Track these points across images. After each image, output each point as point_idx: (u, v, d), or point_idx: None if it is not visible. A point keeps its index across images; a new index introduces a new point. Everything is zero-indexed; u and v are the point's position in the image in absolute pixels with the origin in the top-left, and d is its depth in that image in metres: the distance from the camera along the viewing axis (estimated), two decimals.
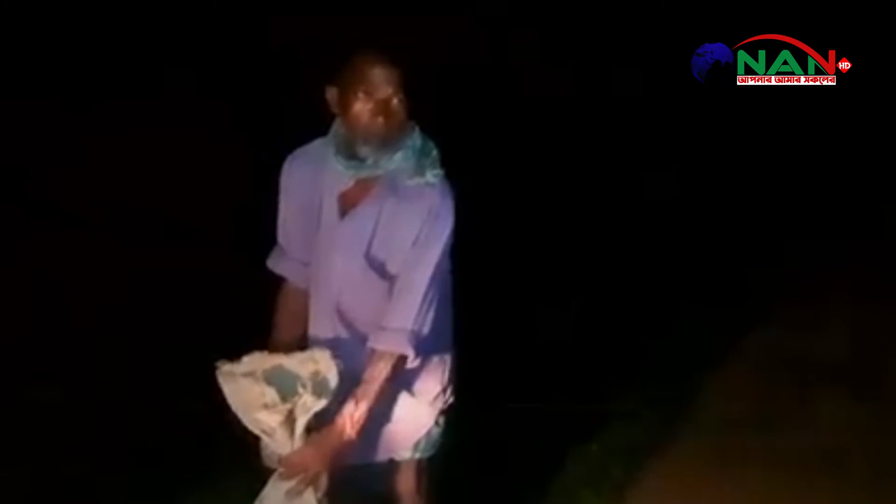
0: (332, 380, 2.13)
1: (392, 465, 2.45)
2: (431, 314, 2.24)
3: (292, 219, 2.36)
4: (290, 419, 2.12)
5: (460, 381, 2.46)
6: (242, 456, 3.02)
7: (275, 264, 2.42)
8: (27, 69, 5.01)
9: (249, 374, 2.13)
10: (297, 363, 2.16)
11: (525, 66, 5.58)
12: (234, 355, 2.25)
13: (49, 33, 5.23)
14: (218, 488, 3.12)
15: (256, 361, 2.17)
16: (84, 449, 3.24)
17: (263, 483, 2.32)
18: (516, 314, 4.03)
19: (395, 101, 2.15)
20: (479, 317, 2.55)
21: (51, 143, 4.74)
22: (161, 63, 5.24)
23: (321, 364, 2.15)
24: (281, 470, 2.19)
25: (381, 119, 2.15)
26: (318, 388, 2.12)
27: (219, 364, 2.18)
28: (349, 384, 2.18)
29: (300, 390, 2.10)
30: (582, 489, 3.27)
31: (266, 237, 2.47)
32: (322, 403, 2.12)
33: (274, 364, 2.17)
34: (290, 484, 2.17)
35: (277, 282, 2.44)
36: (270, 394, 2.10)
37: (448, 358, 2.42)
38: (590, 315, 4.15)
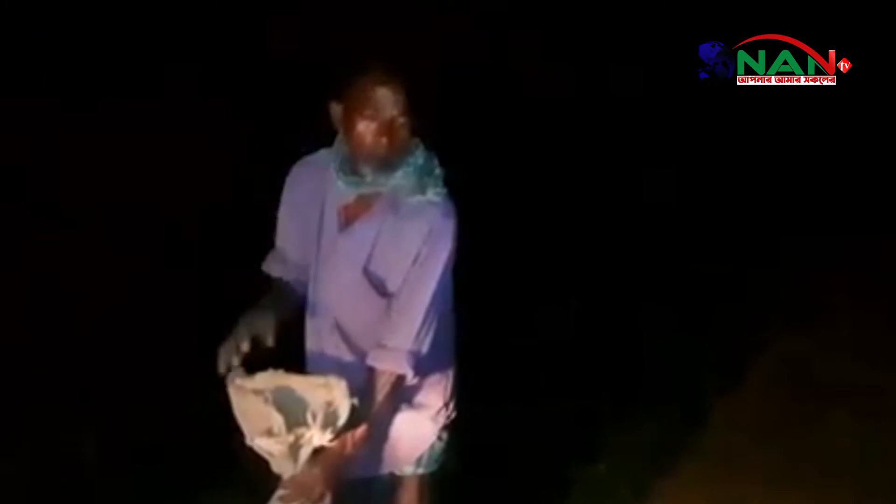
0: (343, 414, 2.09)
1: (395, 481, 2.44)
2: (431, 333, 2.22)
3: (292, 227, 2.35)
4: (293, 449, 2.08)
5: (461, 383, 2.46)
6: (242, 457, 3.02)
7: (271, 268, 2.39)
8: (26, 68, 5.02)
9: (259, 393, 2.08)
10: (311, 387, 2.11)
11: (525, 66, 5.57)
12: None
13: (48, 32, 5.23)
14: (218, 488, 3.12)
15: (268, 379, 2.12)
16: (84, 449, 3.24)
17: (263, 483, 2.32)
18: (516, 314, 4.03)
19: (398, 121, 2.13)
20: (478, 317, 2.54)
21: (49, 142, 4.74)
22: (161, 61, 5.24)
23: (335, 393, 2.09)
24: (283, 492, 2.16)
25: (384, 140, 2.12)
26: (328, 420, 2.07)
27: (230, 375, 2.14)
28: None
29: (309, 421, 2.06)
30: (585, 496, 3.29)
31: (267, 237, 2.47)
32: (328, 438, 2.08)
33: (285, 385, 2.12)
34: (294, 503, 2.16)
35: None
36: (277, 421, 2.05)
37: (450, 373, 2.41)
38: (590, 315, 4.15)
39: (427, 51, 4.78)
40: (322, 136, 2.36)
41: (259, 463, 2.33)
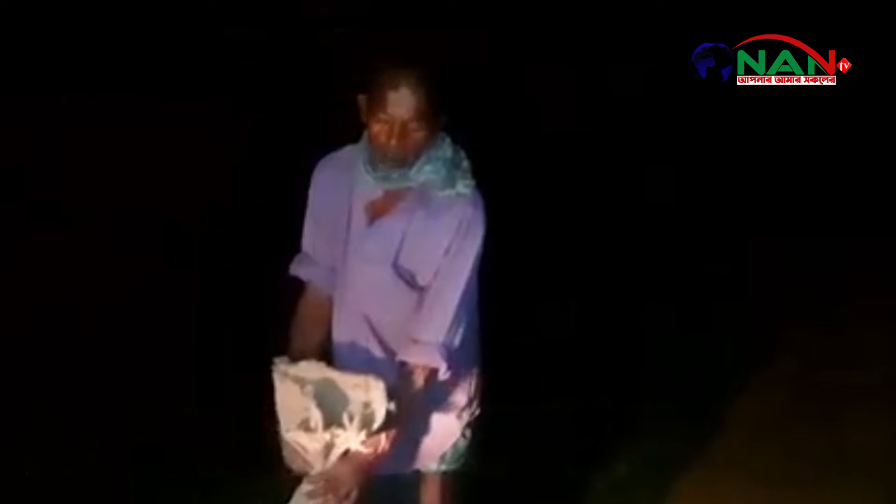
0: (380, 416, 2.07)
1: (418, 477, 2.44)
2: (462, 326, 2.21)
3: (320, 224, 2.33)
4: (327, 447, 2.07)
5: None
6: (244, 456, 3.03)
7: (298, 269, 2.37)
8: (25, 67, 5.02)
9: (299, 381, 2.07)
10: (351, 386, 2.10)
11: (524, 67, 5.57)
12: (235, 356, 2.24)
13: (48, 31, 5.23)
14: (218, 488, 3.12)
15: (311, 370, 2.11)
16: (85, 448, 3.24)
17: (264, 484, 2.31)
18: (516, 314, 4.01)
19: (411, 125, 2.10)
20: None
21: (49, 142, 4.74)
22: (161, 60, 5.24)
23: (373, 394, 2.07)
24: (310, 488, 2.14)
25: (394, 142, 2.10)
26: (364, 422, 2.06)
27: (276, 361, 2.13)
28: None
29: (346, 422, 2.05)
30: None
31: (268, 240, 2.46)
32: (362, 439, 2.07)
33: (327, 378, 2.11)
34: (319, 500, 2.13)
35: (282, 281, 2.42)
36: (315, 416, 2.04)
37: (475, 370, 2.41)
38: (590, 315, 4.14)
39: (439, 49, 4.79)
40: (323, 135, 2.36)
41: (264, 463, 2.33)
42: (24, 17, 5.21)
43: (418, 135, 2.12)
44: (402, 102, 2.08)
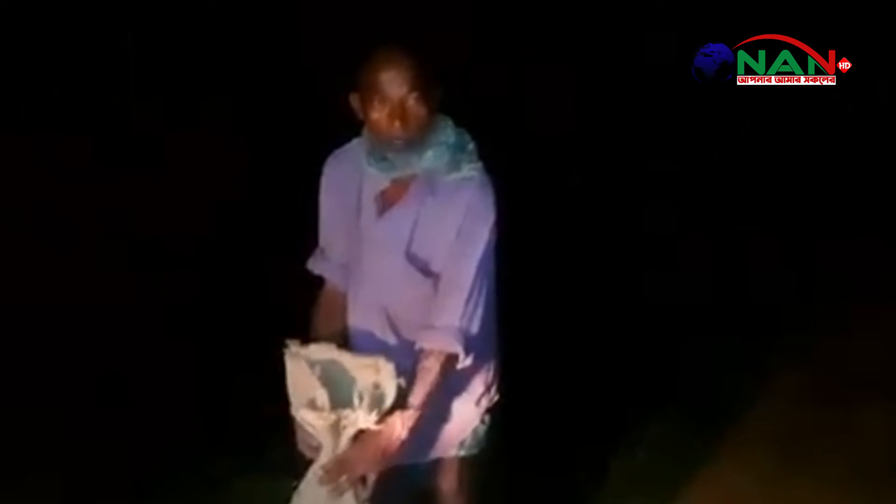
0: (389, 397, 2.08)
1: (437, 463, 2.43)
2: (479, 310, 2.20)
3: (333, 220, 2.33)
4: (335, 427, 2.07)
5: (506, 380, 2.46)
6: (246, 455, 3.04)
7: (315, 265, 2.38)
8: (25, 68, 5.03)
9: (308, 362, 2.08)
10: (360, 367, 2.11)
11: (524, 67, 5.58)
12: (237, 356, 2.24)
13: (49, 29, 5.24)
14: (219, 488, 3.13)
15: (321, 351, 2.13)
16: (86, 448, 3.25)
17: (265, 483, 2.32)
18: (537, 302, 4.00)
19: (410, 100, 2.09)
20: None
21: (49, 144, 4.75)
22: (160, 64, 5.24)
23: (382, 375, 2.08)
24: (319, 470, 2.12)
25: (397, 123, 2.10)
26: (374, 402, 2.06)
27: (288, 343, 2.13)
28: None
29: (355, 402, 2.05)
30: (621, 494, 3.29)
31: (269, 239, 2.46)
32: (372, 420, 2.07)
33: (336, 360, 2.12)
34: (331, 483, 2.11)
35: (289, 282, 2.42)
36: (322, 396, 2.05)
37: (493, 355, 2.40)
38: (615, 317, 4.14)
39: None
40: (322, 135, 2.36)
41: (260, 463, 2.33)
42: (26, 15, 5.22)
43: (419, 111, 2.11)
44: (394, 79, 2.08)
